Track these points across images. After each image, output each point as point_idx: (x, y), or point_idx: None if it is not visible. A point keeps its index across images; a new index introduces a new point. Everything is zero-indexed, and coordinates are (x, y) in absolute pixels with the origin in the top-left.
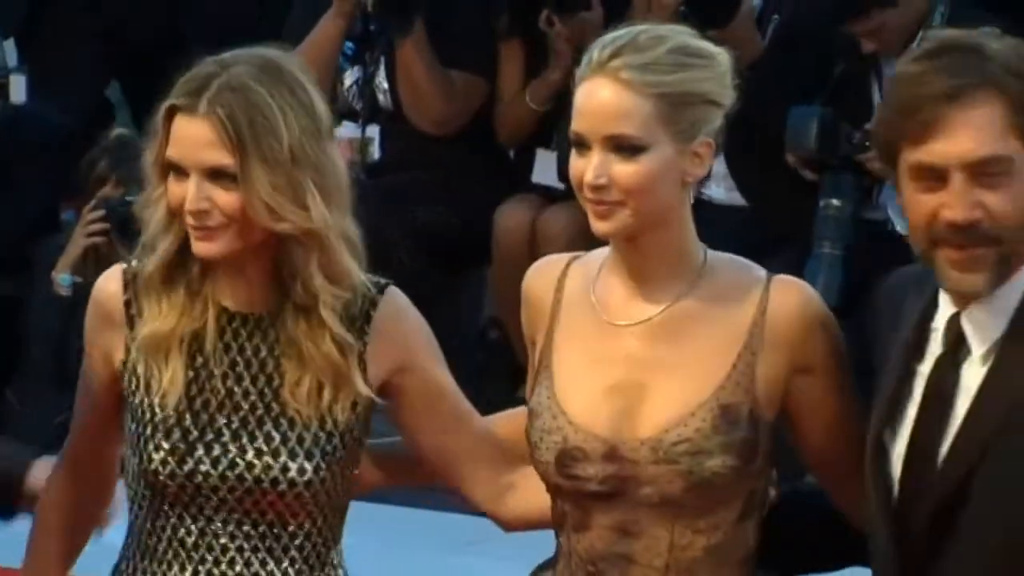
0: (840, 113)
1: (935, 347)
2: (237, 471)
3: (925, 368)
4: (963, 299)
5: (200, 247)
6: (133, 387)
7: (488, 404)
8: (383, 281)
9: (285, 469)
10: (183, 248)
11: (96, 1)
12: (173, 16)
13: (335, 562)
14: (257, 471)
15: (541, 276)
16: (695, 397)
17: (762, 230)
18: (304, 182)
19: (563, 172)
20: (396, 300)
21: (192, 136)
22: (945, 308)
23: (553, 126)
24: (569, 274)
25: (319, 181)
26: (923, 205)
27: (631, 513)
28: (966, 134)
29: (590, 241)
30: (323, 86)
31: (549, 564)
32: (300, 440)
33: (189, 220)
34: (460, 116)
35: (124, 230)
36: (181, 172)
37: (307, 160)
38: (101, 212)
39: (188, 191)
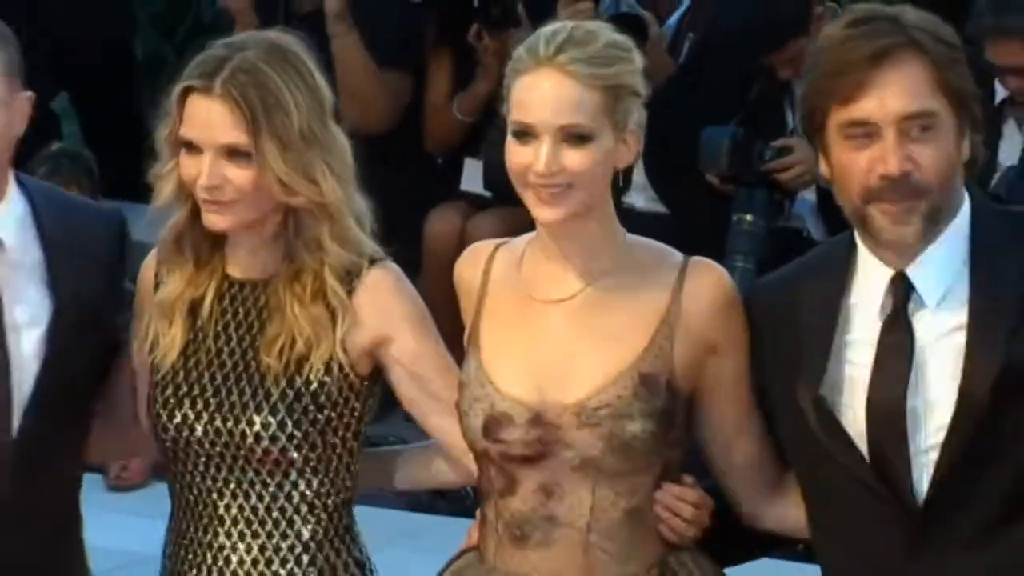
0: (754, 133)
1: (865, 315)
2: (215, 426)
3: (857, 336)
4: (897, 254)
5: (212, 219)
6: (149, 345)
7: None
8: (378, 257)
9: (251, 423)
10: (194, 219)
11: (44, 15)
12: (121, 30)
13: (349, 529)
14: (230, 425)
15: (469, 263)
16: (616, 366)
17: (683, 239)
18: (314, 159)
19: (489, 181)
20: (375, 274)
21: (208, 116)
22: (872, 277)
23: (480, 136)
24: (496, 257)
25: (327, 158)
26: (856, 162)
27: (555, 476)
28: (895, 90)
29: None
30: None
31: (460, 555)
32: (267, 396)
33: (203, 195)
34: (395, 114)
35: None
36: (194, 149)
37: (315, 138)
38: None
39: (203, 168)
